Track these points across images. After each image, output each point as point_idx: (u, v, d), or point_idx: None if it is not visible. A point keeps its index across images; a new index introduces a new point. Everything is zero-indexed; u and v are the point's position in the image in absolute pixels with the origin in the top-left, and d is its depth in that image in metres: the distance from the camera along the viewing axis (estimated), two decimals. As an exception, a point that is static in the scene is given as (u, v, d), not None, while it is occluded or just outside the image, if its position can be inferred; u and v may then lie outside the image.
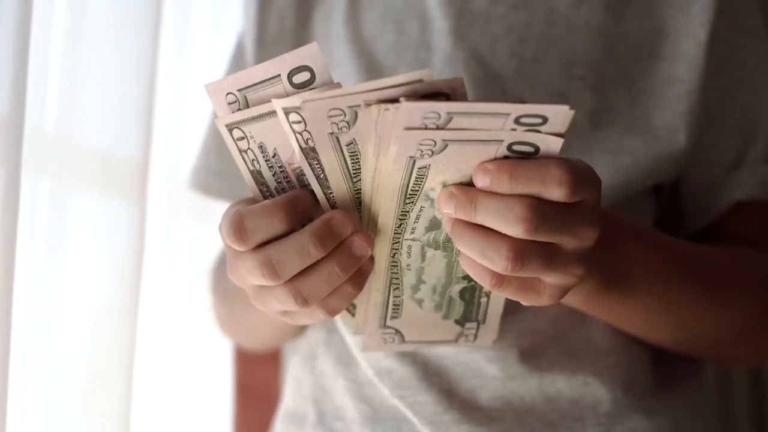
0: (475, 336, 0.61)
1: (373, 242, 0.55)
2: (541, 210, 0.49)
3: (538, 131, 0.49)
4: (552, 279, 0.52)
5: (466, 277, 0.57)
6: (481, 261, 0.51)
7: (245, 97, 0.53)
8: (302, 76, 0.51)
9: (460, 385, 0.70)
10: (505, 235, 0.50)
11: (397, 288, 0.58)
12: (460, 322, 0.60)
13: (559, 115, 0.47)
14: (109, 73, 0.82)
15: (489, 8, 0.75)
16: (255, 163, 0.55)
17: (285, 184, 0.55)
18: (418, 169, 0.50)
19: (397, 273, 0.57)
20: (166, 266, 1.03)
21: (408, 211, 0.53)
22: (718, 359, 0.80)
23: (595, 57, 0.74)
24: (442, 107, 0.47)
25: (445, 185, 0.51)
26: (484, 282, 0.52)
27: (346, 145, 0.51)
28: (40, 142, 0.76)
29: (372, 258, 0.56)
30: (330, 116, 0.50)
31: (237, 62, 0.85)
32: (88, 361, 0.83)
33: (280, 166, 0.55)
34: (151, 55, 0.85)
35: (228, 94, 0.53)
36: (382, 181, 0.51)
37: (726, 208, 0.75)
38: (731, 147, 0.76)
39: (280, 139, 0.53)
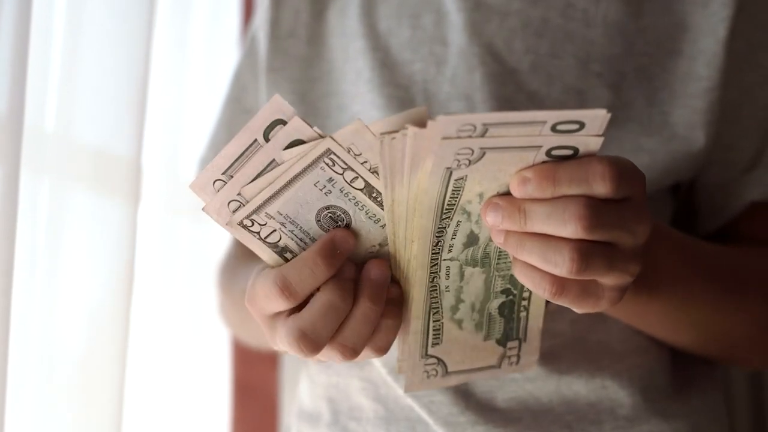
0: (518, 357, 0.60)
1: (387, 265, 0.54)
2: (594, 207, 0.48)
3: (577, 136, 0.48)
4: (611, 279, 0.51)
5: (505, 291, 0.56)
6: (544, 266, 0.50)
7: (231, 176, 0.52)
8: (278, 130, 0.50)
9: (477, 386, 0.70)
10: (563, 238, 0.49)
11: (436, 312, 0.56)
12: (502, 341, 0.59)
13: (597, 119, 0.47)
14: (104, 72, 0.82)
15: (505, 2, 0.74)
16: (278, 241, 0.54)
17: (309, 241, 0.54)
18: (455, 181, 0.49)
19: (436, 297, 0.56)
20: (164, 264, 1.02)
21: (445, 227, 0.52)
22: (736, 361, 0.79)
23: (613, 53, 0.73)
24: (478, 119, 0.46)
25: (482, 196, 0.51)
26: (544, 291, 0.51)
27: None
28: (38, 141, 0.75)
29: (398, 284, 0.55)
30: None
31: (251, 56, 0.84)
32: (84, 359, 0.82)
33: (302, 229, 0.54)
34: (144, 53, 0.84)
35: (216, 181, 0.52)
36: (418, 200, 0.50)
37: (742, 209, 0.75)
38: (749, 146, 0.75)
39: (301, 205, 0.52)
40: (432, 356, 0.58)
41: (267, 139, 0.50)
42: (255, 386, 1.16)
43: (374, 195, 0.52)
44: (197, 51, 1.06)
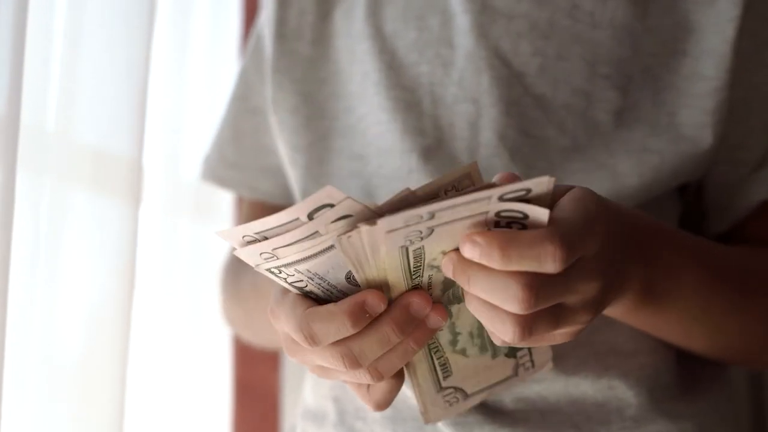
0: (532, 362, 0.60)
1: (430, 301, 0.54)
2: (537, 286, 0.48)
3: (525, 200, 0.48)
4: (561, 331, 0.53)
5: None
6: (491, 329, 0.51)
7: (265, 237, 0.52)
8: (324, 211, 0.50)
9: None
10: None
11: (437, 350, 0.57)
12: (510, 354, 0.59)
13: (541, 185, 0.47)
14: (104, 71, 0.82)
15: (512, 5, 0.74)
16: (304, 287, 0.55)
17: (336, 292, 0.55)
18: (414, 251, 0.50)
19: (432, 339, 0.56)
20: (164, 264, 1.02)
21: (418, 284, 0.53)
22: (746, 363, 0.79)
23: (621, 55, 0.73)
24: (423, 210, 0.46)
25: (444, 252, 0.51)
26: (497, 341, 0.52)
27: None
28: (36, 141, 0.75)
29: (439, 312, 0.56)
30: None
31: (256, 55, 0.84)
32: (84, 359, 0.82)
33: (329, 284, 0.54)
34: (145, 53, 0.84)
35: (245, 236, 0.52)
36: (387, 272, 0.51)
37: (750, 208, 0.74)
38: (757, 145, 0.74)
39: (333, 267, 0.53)
40: (447, 387, 0.59)
41: (311, 218, 0.50)
42: (256, 386, 1.16)
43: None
44: (197, 51, 1.06)
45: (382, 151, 0.74)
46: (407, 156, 0.72)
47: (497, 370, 0.59)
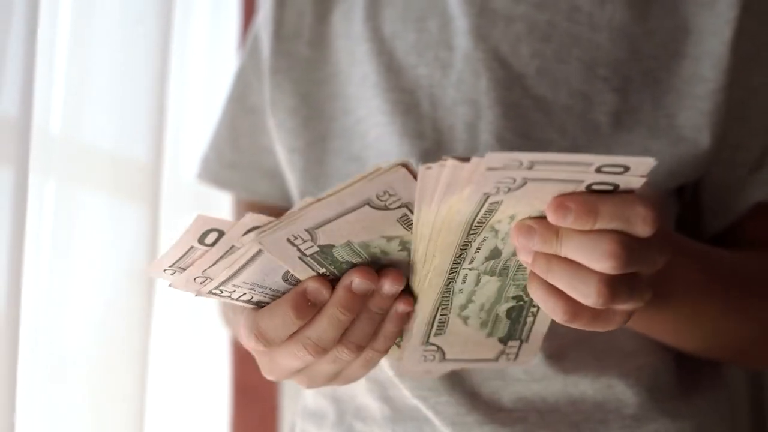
0: (516, 355, 0.61)
1: (402, 278, 0.54)
2: (628, 246, 0.48)
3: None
4: (627, 306, 0.52)
5: (516, 298, 0.57)
6: (570, 293, 0.50)
7: (183, 269, 0.52)
8: (212, 236, 0.51)
9: (483, 386, 0.70)
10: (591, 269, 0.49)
11: (445, 307, 0.57)
12: (503, 340, 0.60)
13: (642, 165, 0.47)
14: (119, 74, 0.82)
15: (510, 7, 0.74)
16: (251, 299, 0.55)
17: (281, 295, 0.55)
18: (490, 204, 0.50)
19: (448, 296, 0.57)
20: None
21: (470, 242, 0.53)
22: (742, 363, 0.80)
23: (619, 57, 0.73)
24: (526, 156, 0.46)
25: (513, 218, 0.51)
26: (555, 316, 0.51)
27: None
28: (50, 144, 0.75)
29: (412, 295, 0.56)
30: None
31: (254, 55, 0.84)
32: (96, 363, 0.83)
33: (271, 289, 0.55)
34: (161, 55, 0.84)
35: (166, 270, 0.52)
36: (446, 219, 0.51)
37: (747, 209, 0.75)
38: (755, 147, 0.75)
39: (267, 273, 0.53)
40: (432, 344, 0.59)
41: (205, 245, 0.50)
42: (255, 387, 1.16)
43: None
44: (197, 51, 1.05)
45: (381, 153, 0.74)
46: (406, 159, 0.72)
47: (483, 349, 0.60)
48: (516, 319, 0.58)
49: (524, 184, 0.48)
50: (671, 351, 0.73)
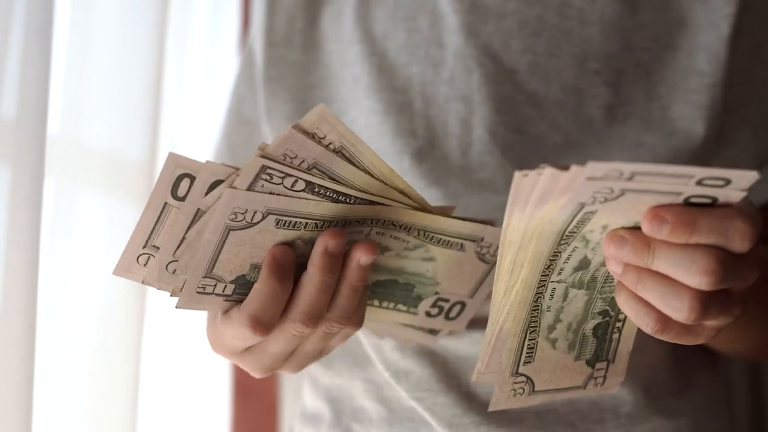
0: (604, 378, 0.59)
1: (375, 249, 0.54)
2: (723, 262, 0.47)
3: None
4: (718, 322, 0.51)
5: (602, 313, 0.56)
6: (661, 307, 0.49)
7: (156, 247, 0.52)
8: (184, 185, 0.50)
9: (480, 387, 0.70)
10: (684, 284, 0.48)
11: (534, 330, 0.56)
12: (591, 362, 0.58)
13: (744, 179, 0.46)
14: (115, 74, 0.82)
15: (500, 3, 0.74)
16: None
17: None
18: (584, 213, 0.49)
19: (536, 316, 0.55)
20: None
21: (560, 252, 0.52)
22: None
23: (611, 50, 0.73)
24: (627, 167, 0.45)
25: (605, 228, 0.50)
26: (646, 327, 0.50)
27: None
28: (48, 144, 0.75)
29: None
30: None
31: (248, 67, 0.84)
32: (94, 363, 0.82)
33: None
34: (158, 55, 0.84)
35: (140, 257, 0.52)
36: (539, 228, 0.50)
37: None
38: (758, 145, 0.74)
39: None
40: (522, 374, 0.57)
41: (176, 197, 0.50)
42: (255, 387, 1.16)
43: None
44: (197, 51, 1.05)
45: None
46: (399, 158, 0.72)
47: (570, 375, 0.58)
48: (602, 337, 0.57)
49: (622, 194, 0.47)
50: (667, 349, 0.73)
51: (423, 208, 0.56)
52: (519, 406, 0.59)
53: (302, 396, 0.82)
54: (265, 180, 0.50)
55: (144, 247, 0.51)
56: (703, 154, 0.72)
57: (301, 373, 0.84)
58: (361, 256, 0.54)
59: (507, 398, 0.58)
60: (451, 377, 0.70)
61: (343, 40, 0.78)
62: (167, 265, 0.52)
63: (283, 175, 0.50)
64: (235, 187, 0.50)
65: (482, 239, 0.58)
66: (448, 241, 0.58)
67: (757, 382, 1.04)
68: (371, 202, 0.54)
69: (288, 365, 0.59)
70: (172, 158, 0.49)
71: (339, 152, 0.51)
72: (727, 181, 0.46)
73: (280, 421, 1.16)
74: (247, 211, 0.51)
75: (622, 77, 0.73)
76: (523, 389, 0.58)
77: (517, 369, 0.57)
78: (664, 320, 0.49)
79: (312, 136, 0.50)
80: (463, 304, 0.62)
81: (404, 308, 0.62)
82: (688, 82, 0.72)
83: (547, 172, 0.46)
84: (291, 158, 0.50)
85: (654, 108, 0.72)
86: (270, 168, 0.50)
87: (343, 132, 0.51)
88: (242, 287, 0.54)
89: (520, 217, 0.49)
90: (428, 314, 0.62)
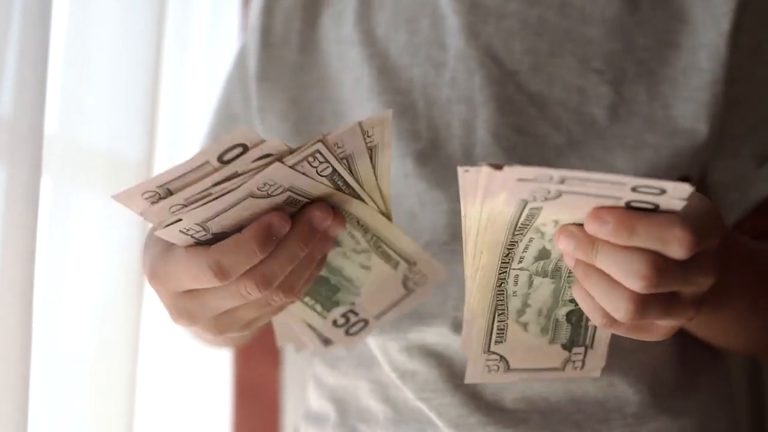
0: (583, 363, 0.60)
1: (331, 212, 0.54)
2: (660, 268, 0.48)
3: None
4: (666, 323, 0.52)
5: (574, 300, 0.57)
6: (602, 304, 0.50)
7: (168, 189, 0.51)
8: (234, 152, 0.50)
9: (486, 388, 0.70)
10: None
11: (502, 313, 0.57)
12: (567, 346, 0.59)
13: (678, 189, 0.47)
14: (113, 74, 0.82)
15: (501, 4, 0.74)
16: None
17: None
18: (530, 209, 0.50)
19: (503, 300, 0.56)
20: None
21: (516, 242, 0.53)
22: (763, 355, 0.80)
23: (613, 49, 0.73)
24: (555, 172, 0.46)
25: (557, 223, 0.51)
26: (595, 320, 0.52)
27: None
28: (44, 143, 0.75)
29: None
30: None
31: (239, 67, 0.83)
32: (93, 362, 0.83)
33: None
34: (156, 55, 0.84)
35: (146, 192, 0.51)
36: (490, 219, 0.51)
37: (755, 204, 0.74)
38: (759, 142, 0.74)
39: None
40: (494, 353, 0.58)
41: (222, 161, 0.50)
42: (256, 386, 1.16)
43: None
44: (197, 51, 1.05)
45: None
46: (401, 161, 0.72)
47: (547, 357, 0.59)
48: (577, 324, 0.58)
49: (559, 195, 0.48)
50: (672, 348, 0.73)
51: (387, 214, 0.58)
52: (496, 381, 0.60)
53: (307, 396, 0.82)
54: (308, 162, 0.51)
55: (161, 186, 0.51)
56: (704, 153, 0.72)
57: (305, 373, 0.84)
58: (330, 225, 0.54)
59: (481, 373, 0.59)
60: (458, 378, 0.70)
61: (342, 42, 0.78)
62: (171, 207, 0.51)
63: (324, 161, 0.51)
64: (284, 163, 0.50)
65: (415, 264, 0.60)
66: (389, 255, 0.60)
67: (757, 382, 1.04)
68: (358, 196, 0.55)
69: (212, 324, 0.56)
70: (241, 132, 0.49)
71: (370, 151, 0.53)
72: (663, 191, 0.47)
73: (281, 420, 1.16)
74: (275, 184, 0.51)
75: (624, 76, 0.73)
76: (498, 366, 0.59)
77: (489, 348, 0.58)
78: (611, 317, 0.51)
79: (365, 133, 0.52)
80: (366, 323, 0.63)
81: (319, 309, 0.62)
82: (690, 80, 0.72)
83: (485, 170, 0.47)
84: (339, 148, 0.52)
85: (656, 107, 0.72)
86: (320, 153, 0.51)
87: (387, 139, 0.53)
88: (219, 238, 0.53)
89: (473, 206, 0.51)
90: (335, 323, 0.63)
